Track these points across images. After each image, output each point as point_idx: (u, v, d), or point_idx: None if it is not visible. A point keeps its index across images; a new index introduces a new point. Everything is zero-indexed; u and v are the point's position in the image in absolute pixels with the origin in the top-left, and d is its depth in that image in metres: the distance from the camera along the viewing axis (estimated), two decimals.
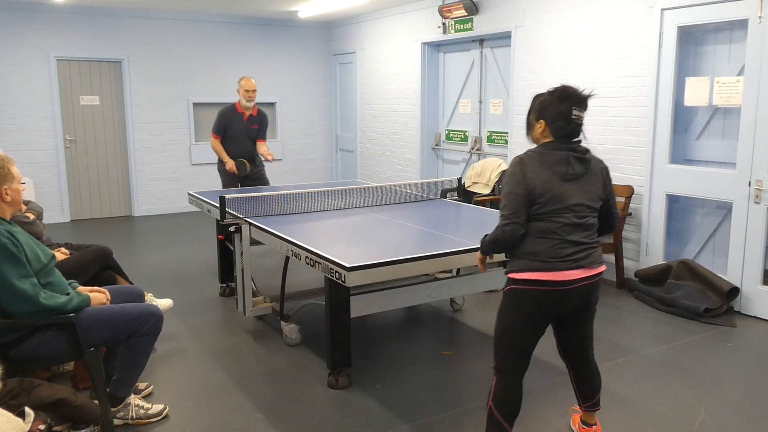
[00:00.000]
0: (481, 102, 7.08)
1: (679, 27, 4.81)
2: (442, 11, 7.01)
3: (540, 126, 2.44)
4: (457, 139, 7.48)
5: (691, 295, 4.55)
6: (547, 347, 3.21)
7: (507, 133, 6.59)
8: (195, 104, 8.70)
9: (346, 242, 3.42)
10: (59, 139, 7.98)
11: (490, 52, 6.88)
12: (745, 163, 4.47)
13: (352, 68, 9.14)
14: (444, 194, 5.56)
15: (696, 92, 4.76)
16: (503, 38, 6.58)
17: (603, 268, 2.48)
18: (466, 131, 7.32)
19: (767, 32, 4.27)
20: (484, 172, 6.20)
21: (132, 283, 3.88)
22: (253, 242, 4.06)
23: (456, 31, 7.01)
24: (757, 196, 4.42)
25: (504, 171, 5.97)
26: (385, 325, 4.41)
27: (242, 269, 4.09)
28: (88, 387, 3.24)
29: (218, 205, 4.12)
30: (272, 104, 9.33)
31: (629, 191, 5.17)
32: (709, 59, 4.83)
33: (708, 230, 4.93)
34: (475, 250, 3.14)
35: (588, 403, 2.74)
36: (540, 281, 2.35)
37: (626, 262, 5.31)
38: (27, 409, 2.42)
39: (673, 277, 4.78)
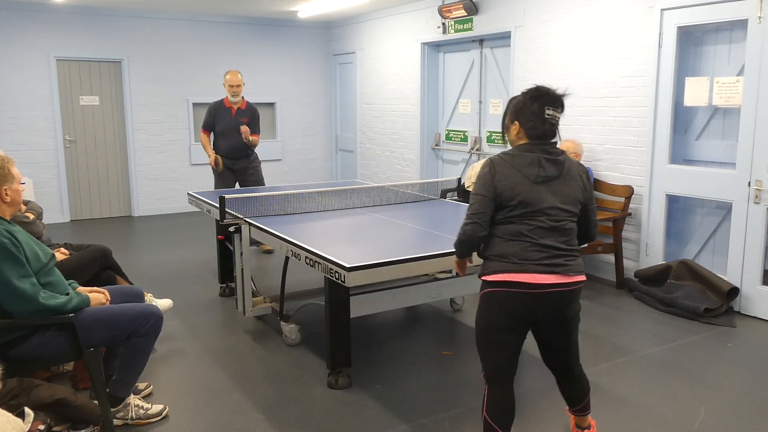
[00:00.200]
0: (480, 102, 7.08)
1: (678, 27, 4.81)
2: (442, 11, 7.01)
3: (515, 127, 2.40)
4: (456, 139, 7.48)
5: (691, 295, 4.55)
6: None
7: None
8: (195, 104, 8.70)
9: (346, 242, 3.42)
10: (59, 139, 7.98)
11: (490, 52, 6.88)
12: (744, 163, 4.47)
13: (352, 68, 9.14)
14: (444, 194, 5.56)
15: (696, 92, 4.76)
16: (503, 38, 6.58)
17: (581, 277, 2.38)
18: (465, 131, 7.32)
19: (767, 32, 4.27)
20: None
21: (132, 283, 3.88)
22: (253, 242, 4.06)
23: (456, 31, 7.01)
24: (756, 196, 4.42)
25: None
26: (385, 325, 4.41)
27: (242, 269, 4.09)
28: (88, 387, 3.24)
29: (218, 205, 4.12)
30: (272, 104, 9.33)
31: (629, 191, 5.17)
32: (708, 59, 4.83)
33: (708, 230, 4.93)
34: None
35: (576, 408, 2.68)
36: (510, 282, 2.29)
37: (626, 262, 5.31)
38: (27, 409, 2.42)
39: (672, 277, 4.78)
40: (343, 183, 5.98)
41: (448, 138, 7.64)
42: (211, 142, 6.17)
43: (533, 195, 2.30)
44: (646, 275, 5.00)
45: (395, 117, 8.25)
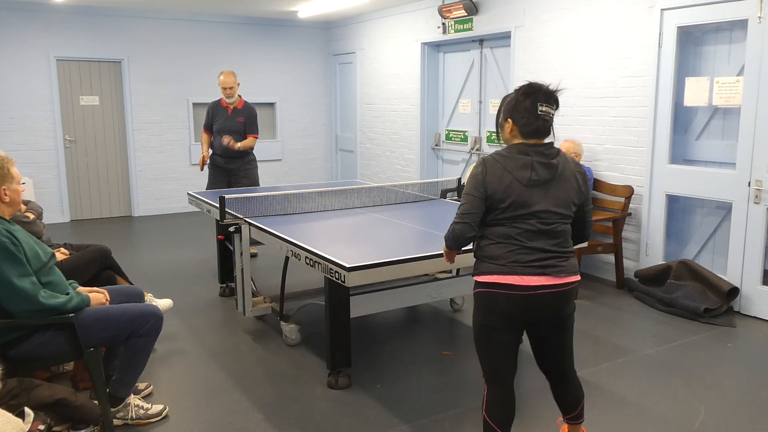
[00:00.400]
0: (480, 102, 7.08)
1: (678, 27, 4.81)
2: (442, 11, 7.01)
3: (508, 125, 2.37)
4: (456, 139, 7.48)
5: (691, 295, 4.55)
6: None
7: None
8: (195, 104, 8.70)
9: (346, 242, 3.42)
10: (59, 139, 7.98)
11: (490, 52, 6.88)
12: (744, 163, 4.47)
13: (352, 68, 9.14)
14: (444, 194, 5.56)
15: (696, 92, 4.76)
16: (503, 38, 6.58)
17: (574, 278, 2.36)
18: (465, 131, 7.32)
19: (767, 32, 4.27)
20: None
21: (132, 283, 3.88)
22: (253, 242, 4.06)
23: (456, 31, 7.01)
24: (756, 196, 4.42)
25: None
26: (385, 325, 4.41)
27: (242, 269, 4.09)
28: (88, 387, 3.24)
29: (218, 205, 4.12)
30: (272, 104, 9.33)
31: (629, 191, 5.17)
32: (708, 59, 4.83)
33: (708, 230, 4.93)
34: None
35: (570, 416, 2.62)
36: (500, 284, 2.28)
37: (626, 262, 5.31)
38: (27, 409, 2.42)
39: (672, 277, 4.78)
40: (343, 183, 5.98)
41: (448, 138, 7.64)
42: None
43: (525, 198, 2.27)
44: (646, 275, 5.00)
45: (395, 117, 8.25)
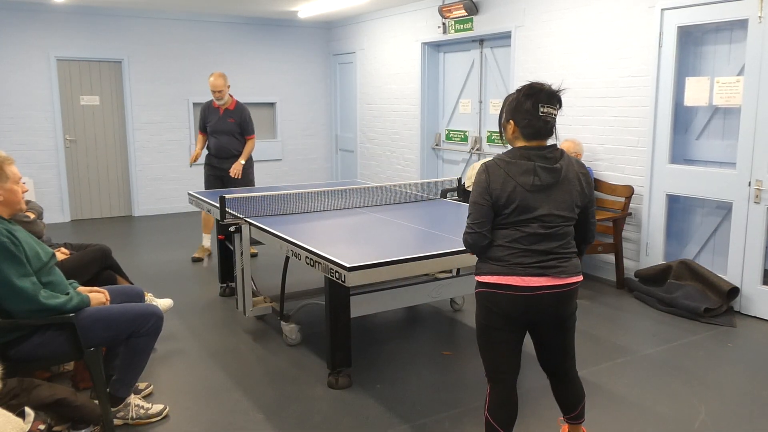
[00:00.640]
0: (481, 102, 7.08)
1: (679, 27, 4.81)
2: (442, 11, 7.01)
3: (511, 127, 2.36)
4: (457, 139, 7.48)
5: (691, 295, 4.55)
6: None
7: None
8: (195, 104, 8.68)
9: (346, 242, 3.42)
10: (59, 139, 7.98)
11: (490, 52, 6.88)
12: (745, 163, 4.47)
13: (352, 68, 9.14)
14: (444, 194, 5.56)
15: (696, 92, 4.76)
16: (503, 38, 6.58)
17: (577, 278, 2.36)
18: (466, 131, 7.32)
19: (767, 32, 4.27)
20: None
21: (132, 283, 3.88)
22: (253, 242, 4.06)
23: (456, 31, 7.01)
24: (757, 196, 4.42)
25: None
26: (385, 325, 4.41)
27: (242, 269, 4.09)
28: (88, 387, 3.24)
29: (218, 205, 4.12)
30: (272, 104, 9.33)
31: (629, 191, 5.17)
32: (709, 59, 4.83)
33: (708, 230, 4.93)
34: None
35: (571, 415, 2.63)
36: (501, 285, 2.30)
37: (626, 262, 5.31)
38: (27, 409, 2.43)
39: (673, 277, 4.78)
40: (343, 183, 5.98)
41: (448, 138, 7.64)
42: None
43: (528, 202, 2.28)
44: (646, 275, 5.00)
45: (395, 117, 8.25)
